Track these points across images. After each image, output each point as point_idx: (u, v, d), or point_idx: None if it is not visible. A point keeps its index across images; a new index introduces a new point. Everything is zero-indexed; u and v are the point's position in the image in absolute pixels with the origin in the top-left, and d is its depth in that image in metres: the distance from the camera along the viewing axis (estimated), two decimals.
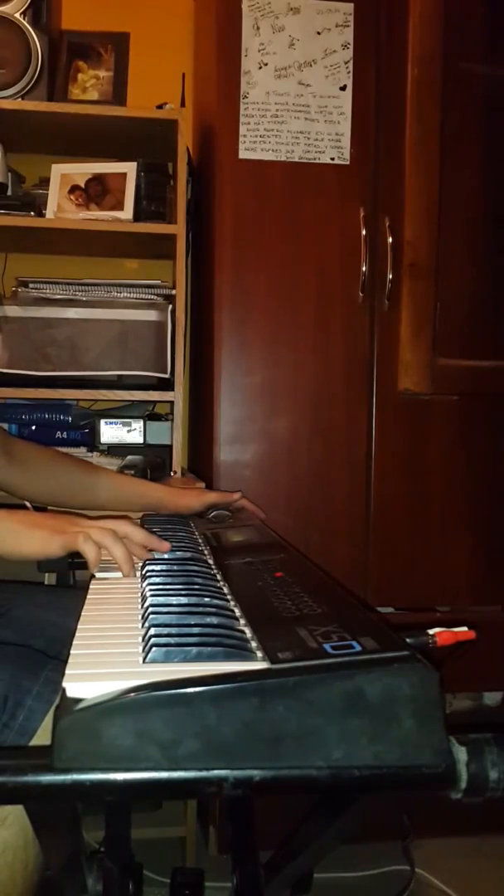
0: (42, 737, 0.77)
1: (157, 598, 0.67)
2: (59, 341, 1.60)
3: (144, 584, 0.73)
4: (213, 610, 0.65)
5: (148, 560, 0.82)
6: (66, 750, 0.47)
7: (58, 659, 0.84)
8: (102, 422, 1.68)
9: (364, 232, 1.54)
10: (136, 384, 1.62)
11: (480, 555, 1.63)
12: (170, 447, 1.62)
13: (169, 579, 0.74)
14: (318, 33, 1.52)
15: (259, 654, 0.55)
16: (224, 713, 0.47)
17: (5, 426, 1.67)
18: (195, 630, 0.59)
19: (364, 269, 1.54)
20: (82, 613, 0.67)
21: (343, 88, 1.53)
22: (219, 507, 1.20)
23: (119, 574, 0.80)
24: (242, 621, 0.63)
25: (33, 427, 1.72)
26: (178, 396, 1.61)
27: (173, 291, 1.64)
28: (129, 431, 1.69)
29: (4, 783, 0.47)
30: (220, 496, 1.23)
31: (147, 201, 1.69)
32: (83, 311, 1.62)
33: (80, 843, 0.69)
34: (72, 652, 0.56)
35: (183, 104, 1.72)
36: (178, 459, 1.60)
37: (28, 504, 1.46)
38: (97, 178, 1.69)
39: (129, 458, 1.65)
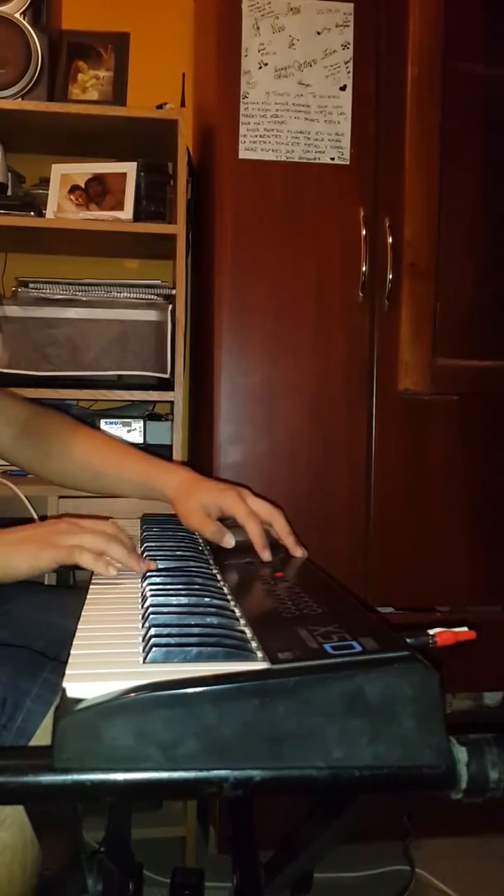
0: (40, 738, 0.76)
1: (158, 598, 0.67)
2: (59, 341, 1.60)
3: (144, 584, 0.73)
4: (213, 610, 0.65)
5: (148, 559, 0.82)
6: (66, 750, 0.47)
7: (57, 660, 0.84)
8: (102, 422, 1.68)
9: (364, 232, 1.54)
10: (136, 384, 1.62)
11: (480, 555, 1.63)
12: (170, 447, 1.62)
13: (169, 579, 0.74)
14: (318, 33, 1.52)
15: (259, 654, 0.55)
16: (224, 713, 0.47)
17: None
18: (195, 630, 0.59)
19: (364, 269, 1.54)
20: (82, 613, 0.67)
21: (343, 88, 1.53)
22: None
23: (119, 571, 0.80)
24: (242, 621, 0.63)
25: None
26: (178, 396, 1.61)
27: (173, 291, 1.64)
28: (129, 431, 1.69)
29: (5, 783, 0.47)
30: (219, 533, 0.92)
31: (147, 201, 1.69)
32: (83, 311, 1.62)
33: (80, 843, 0.69)
34: (72, 652, 0.56)
35: (183, 104, 1.72)
36: (179, 459, 1.60)
37: (34, 514, 1.46)
38: (97, 178, 1.69)
39: None
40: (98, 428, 1.67)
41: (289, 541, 0.91)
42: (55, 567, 0.78)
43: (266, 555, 0.88)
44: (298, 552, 0.90)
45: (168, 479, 1.01)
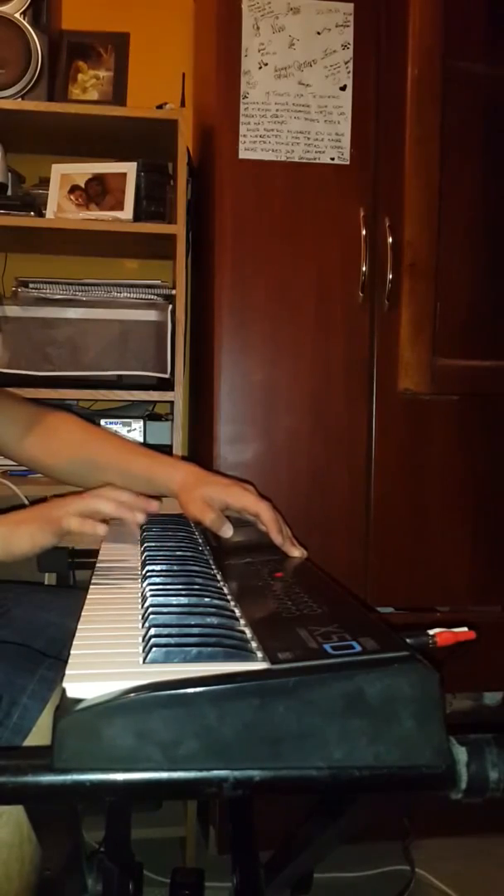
0: (37, 735, 0.77)
1: (158, 598, 0.67)
2: (60, 341, 1.60)
3: (144, 585, 0.73)
4: (213, 610, 0.65)
5: (148, 559, 0.82)
6: (66, 750, 0.47)
7: (53, 657, 0.84)
8: (102, 422, 1.68)
9: (364, 232, 1.54)
10: (136, 384, 1.62)
11: (480, 555, 1.63)
12: (170, 447, 1.62)
13: (169, 579, 0.74)
14: (318, 33, 1.52)
15: (259, 654, 0.55)
16: (224, 713, 0.47)
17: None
18: (195, 630, 0.59)
19: (364, 269, 1.54)
20: (82, 613, 0.67)
21: (343, 88, 1.53)
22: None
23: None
24: (242, 621, 0.63)
25: None
26: (178, 396, 1.61)
27: (173, 291, 1.64)
28: (129, 431, 1.69)
29: (4, 783, 0.47)
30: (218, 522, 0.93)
31: (147, 201, 1.69)
32: (83, 311, 1.62)
33: (80, 843, 0.69)
34: (72, 652, 0.56)
35: (183, 104, 1.72)
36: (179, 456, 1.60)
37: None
38: (97, 178, 1.69)
39: None
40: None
41: (286, 542, 0.92)
42: (56, 541, 0.81)
43: (280, 539, 0.90)
44: (296, 552, 0.90)
45: (173, 472, 1.02)
